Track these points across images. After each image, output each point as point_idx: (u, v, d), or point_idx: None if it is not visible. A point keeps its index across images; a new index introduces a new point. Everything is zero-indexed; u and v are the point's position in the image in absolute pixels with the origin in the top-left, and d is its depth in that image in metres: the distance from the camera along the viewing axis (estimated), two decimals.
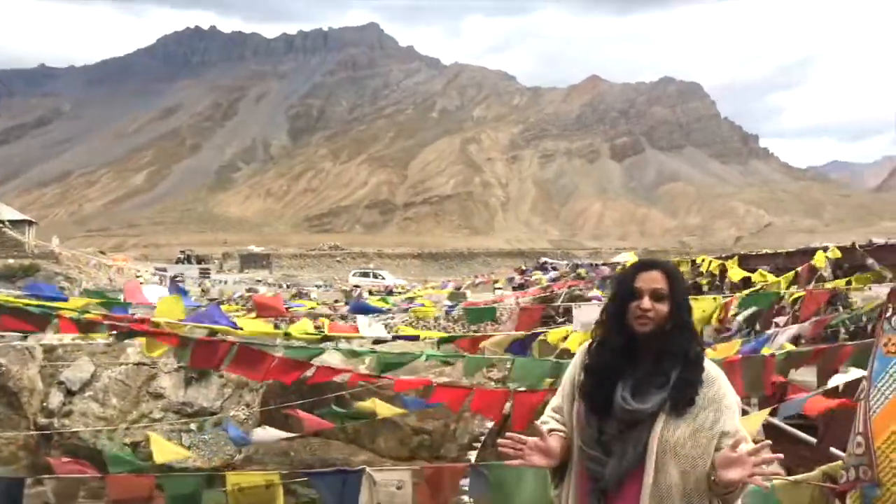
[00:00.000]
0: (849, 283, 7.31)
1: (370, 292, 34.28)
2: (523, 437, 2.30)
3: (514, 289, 37.26)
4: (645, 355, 2.31)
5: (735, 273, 11.41)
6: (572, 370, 2.49)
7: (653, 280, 2.32)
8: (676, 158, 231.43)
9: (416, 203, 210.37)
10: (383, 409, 5.39)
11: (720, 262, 14.32)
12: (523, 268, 54.14)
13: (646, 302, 2.29)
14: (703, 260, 16.01)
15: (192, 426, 11.59)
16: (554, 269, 43.67)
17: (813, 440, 6.47)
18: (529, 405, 4.56)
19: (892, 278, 6.49)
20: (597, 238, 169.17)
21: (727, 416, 2.24)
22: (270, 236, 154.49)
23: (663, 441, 2.22)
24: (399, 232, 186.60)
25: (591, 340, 2.45)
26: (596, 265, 30.22)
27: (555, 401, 2.53)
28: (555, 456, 2.32)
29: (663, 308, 2.30)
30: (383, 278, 46.31)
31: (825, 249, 8.66)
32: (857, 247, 8.39)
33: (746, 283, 11.13)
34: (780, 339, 5.92)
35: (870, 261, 7.64)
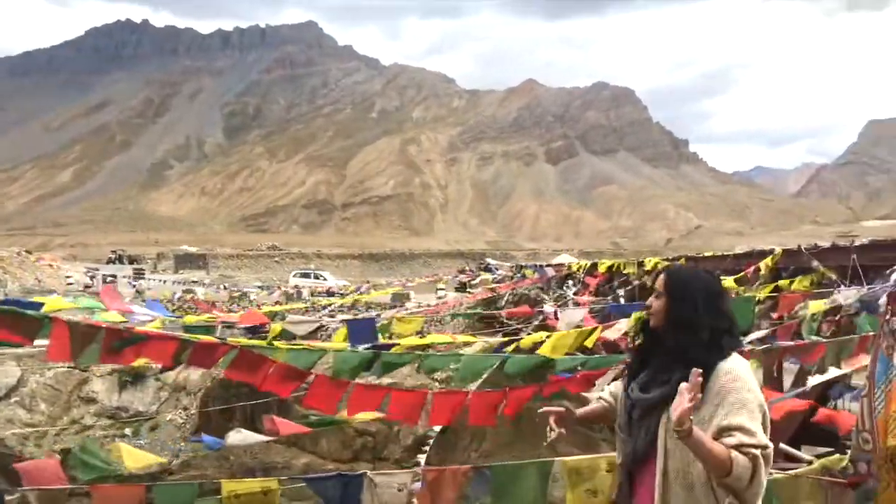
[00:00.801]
0: (791, 283, 7.75)
1: (312, 293, 34.02)
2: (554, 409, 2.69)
3: (457, 289, 37.56)
4: (660, 351, 2.48)
5: None
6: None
7: (658, 282, 2.55)
8: (610, 162, 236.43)
9: (355, 203, 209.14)
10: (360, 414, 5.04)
11: (669, 263, 14.79)
12: (466, 268, 54.64)
13: (650, 299, 2.54)
14: (650, 261, 16.51)
15: (127, 431, 10.93)
16: (497, 269, 44.20)
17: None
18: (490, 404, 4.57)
19: (837, 280, 6.89)
20: (533, 239, 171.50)
21: (731, 411, 2.28)
22: (205, 236, 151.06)
23: (668, 430, 2.36)
24: (337, 232, 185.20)
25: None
26: (541, 266, 30.65)
27: (616, 384, 2.83)
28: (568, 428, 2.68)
29: (659, 304, 2.48)
30: (325, 279, 45.97)
31: (772, 252, 9.08)
32: (802, 249, 8.72)
33: None
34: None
35: (815, 263, 7.98)
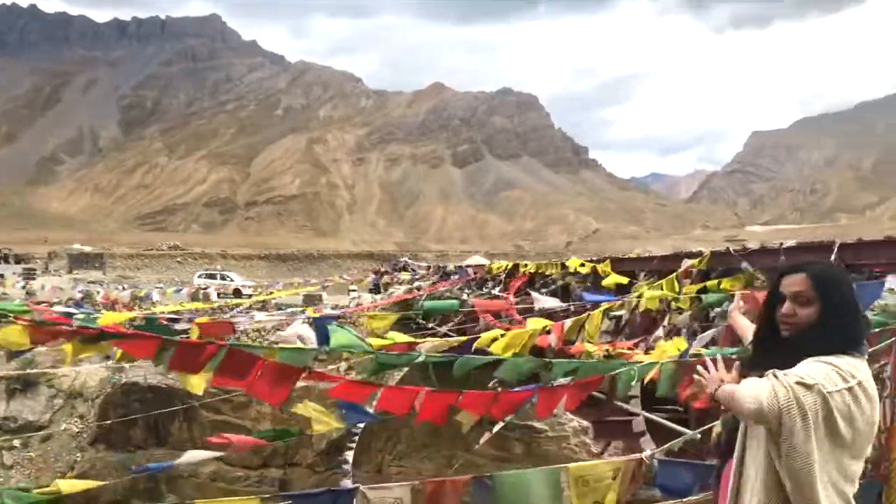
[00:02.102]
0: (720, 284, 8.66)
1: (218, 295, 33.46)
2: (718, 368, 2.30)
3: (371, 290, 37.63)
4: (784, 352, 2.26)
5: (613, 278, 12.53)
6: None
7: (794, 283, 2.28)
8: (514, 167, 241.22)
9: (259, 202, 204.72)
10: (320, 421, 4.49)
11: (592, 264, 15.51)
12: (381, 269, 54.56)
13: (786, 306, 2.25)
14: (573, 262, 17.30)
15: (16, 442, 10.36)
16: (414, 270, 44.24)
17: (687, 431, 6.64)
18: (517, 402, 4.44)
19: (765, 281, 7.74)
20: (440, 241, 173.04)
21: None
22: (99, 235, 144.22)
23: (747, 430, 2.33)
24: (240, 232, 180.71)
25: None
26: (462, 267, 31.17)
27: None
28: None
29: (806, 313, 2.24)
30: (231, 280, 45.18)
31: (700, 254, 10.02)
32: (731, 251, 9.03)
33: (624, 286, 12.34)
34: (698, 344, 6.15)
35: (744, 264, 8.34)
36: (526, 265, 21.71)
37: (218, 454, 4.90)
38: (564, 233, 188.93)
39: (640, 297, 8.73)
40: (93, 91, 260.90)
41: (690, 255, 11.16)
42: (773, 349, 2.30)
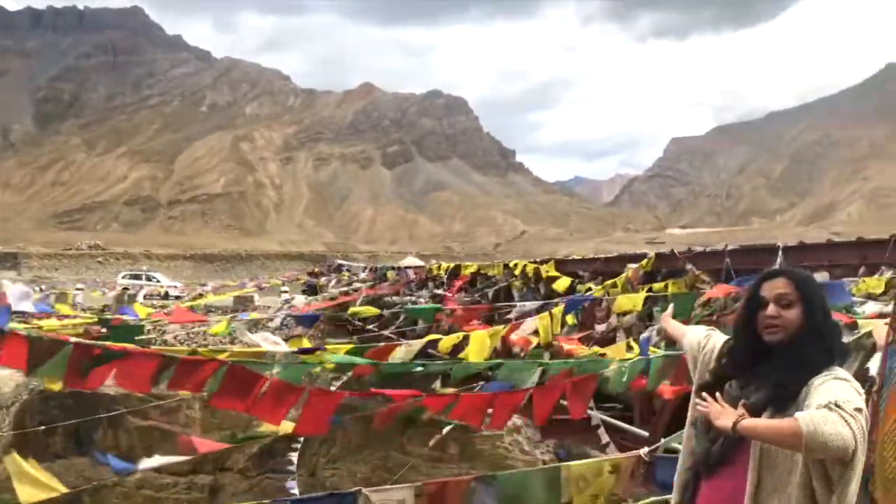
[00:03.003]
0: (666, 286, 9.38)
1: (145, 296, 32.73)
2: (721, 404, 2.19)
3: (304, 292, 37.39)
4: (778, 364, 2.25)
5: (561, 283, 12.96)
6: (702, 352, 2.62)
7: (776, 287, 2.30)
8: (443, 168, 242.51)
9: (183, 201, 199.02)
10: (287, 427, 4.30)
11: (535, 265, 15.90)
12: (316, 269, 54.13)
13: (771, 309, 2.26)
14: (515, 264, 17.64)
15: None
16: (348, 270, 43.95)
17: (633, 429, 6.91)
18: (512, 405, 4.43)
19: (709, 282, 8.34)
20: (370, 242, 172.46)
21: (827, 394, 2.08)
22: (10, 233, 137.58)
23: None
24: (162, 231, 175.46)
25: (727, 343, 2.51)
26: (403, 268, 31.09)
27: (700, 334, 2.72)
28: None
29: (792, 315, 2.25)
30: (158, 281, 44.24)
31: (644, 256, 10.67)
32: (676, 253, 9.40)
33: (571, 287, 12.90)
34: (645, 344, 6.15)
35: (689, 266, 8.71)
36: (468, 266, 22.01)
37: (185, 458, 4.85)
38: (493, 234, 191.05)
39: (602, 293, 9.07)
40: (3, 82, 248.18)
41: (635, 258, 11.89)
42: (764, 357, 2.30)
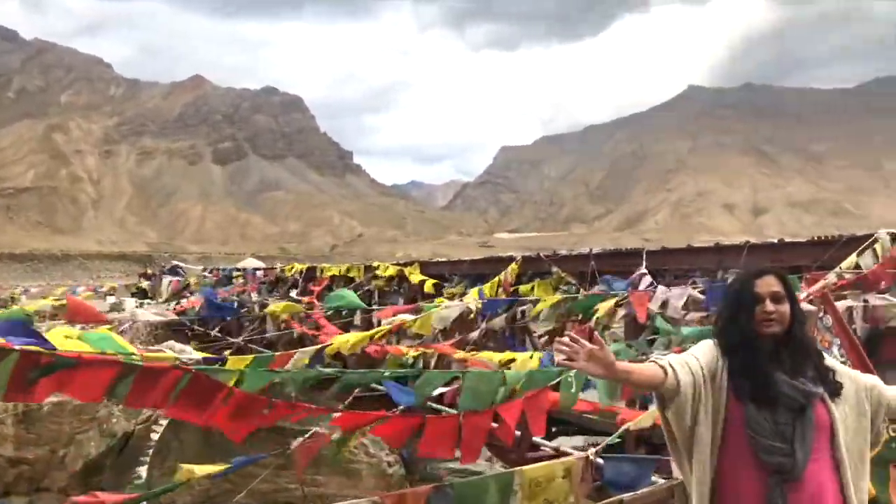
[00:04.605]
0: (533, 288, 10.41)
1: None
2: (582, 340, 2.32)
3: (133, 294, 35.65)
4: (784, 354, 2.40)
5: (427, 285, 13.57)
6: (702, 366, 2.47)
7: (769, 285, 2.45)
8: (278, 167, 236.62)
9: None
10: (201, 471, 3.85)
11: (399, 267, 15.28)
12: (148, 271, 51.36)
13: (768, 305, 2.39)
14: (378, 265, 18.01)
15: None
16: (183, 272, 42.04)
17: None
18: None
19: (574, 283, 9.33)
20: (198, 242, 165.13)
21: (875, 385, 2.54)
22: None
23: (836, 421, 2.38)
24: None
25: (724, 343, 2.50)
26: (251, 270, 30.32)
27: (687, 360, 2.49)
28: (611, 369, 2.33)
29: (784, 309, 2.42)
30: None
31: (513, 260, 11.54)
32: (543, 256, 10.07)
33: (437, 289, 13.64)
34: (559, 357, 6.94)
35: (554, 269, 9.37)
36: (329, 268, 21.83)
37: None
38: (329, 235, 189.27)
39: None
40: None
41: (502, 260, 12.86)
42: (784, 349, 2.42)
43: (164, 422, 5.93)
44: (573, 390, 4.65)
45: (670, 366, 2.43)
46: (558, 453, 6.16)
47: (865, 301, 4.42)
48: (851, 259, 5.04)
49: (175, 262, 52.57)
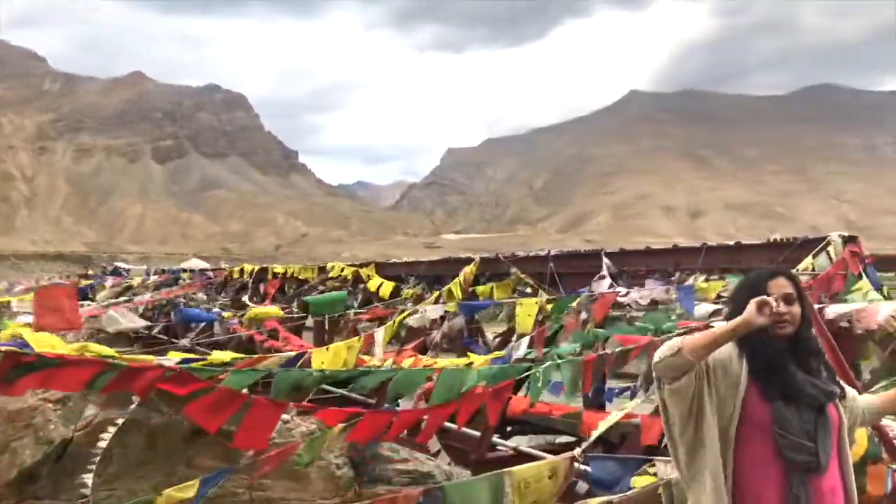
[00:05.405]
0: (492, 289, 10.64)
1: None
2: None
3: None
4: (798, 354, 2.44)
5: (385, 287, 13.57)
6: (724, 363, 2.44)
7: (782, 286, 2.47)
8: (221, 166, 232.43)
9: None
10: None
11: (354, 268, 15.16)
12: (88, 272, 50.01)
13: (781, 307, 2.38)
14: (332, 266, 16.62)
15: None
16: (126, 273, 41.16)
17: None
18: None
19: (533, 284, 9.51)
20: (138, 242, 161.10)
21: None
22: None
23: (844, 421, 2.49)
24: None
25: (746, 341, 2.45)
26: (201, 271, 29.92)
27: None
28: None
29: (797, 310, 2.45)
30: None
31: (470, 261, 11.63)
32: (501, 257, 10.23)
33: (395, 291, 13.70)
34: (522, 350, 6.56)
35: (513, 270, 9.50)
36: (279, 269, 21.45)
37: None
38: (273, 236, 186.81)
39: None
40: None
41: (460, 261, 13.00)
42: (797, 349, 2.46)
43: (113, 428, 5.73)
44: (539, 385, 4.79)
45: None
46: (518, 453, 6.46)
47: (822, 302, 4.66)
48: (808, 261, 5.40)
49: (117, 263, 51.50)
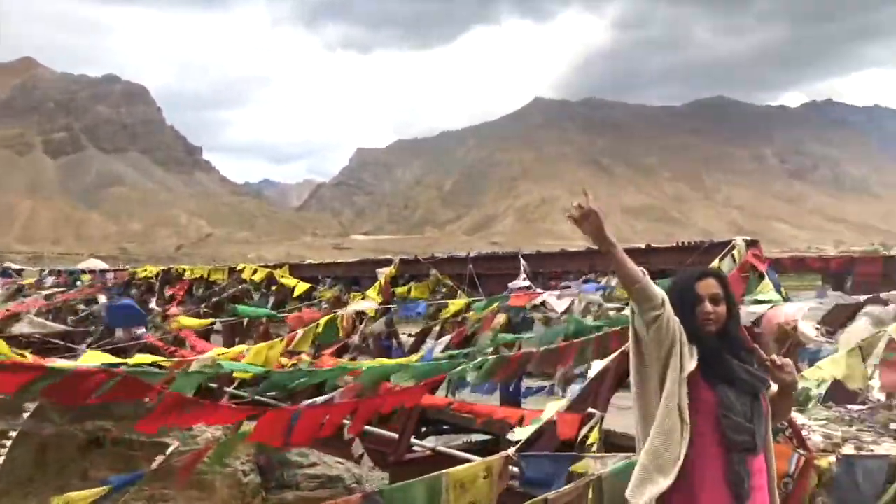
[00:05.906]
0: (410, 290, 10.67)
1: None
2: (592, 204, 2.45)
3: None
4: (728, 347, 2.60)
5: (300, 287, 13.44)
6: (678, 342, 2.56)
7: (709, 286, 2.62)
8: (120, 161, 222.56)
9: None
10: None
11: (267, 270, 14.85)
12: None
13: (707, 306, 2.56)
14: (243, 268, 17.45)
15: None
16: (15, 273, 38.81)
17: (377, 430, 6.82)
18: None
19: (453, 286, 9.65)
20: (28, 241, 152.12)
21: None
22: None
23: (769, 409, 2.67)
24: None
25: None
26: (102, 272, 28.65)
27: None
28: (601, 233, 2.48)
29: (722, 310, 2.60)
30: None
31: (389, 262, 11.65)
32: (420, 259, 10.35)
33: (310, 292, 13.58)
34: (438, 350, 6.64)
35: (433, 271, 9.61)
36: (188, 270, 20.74)
37: None
38: (175, 236, 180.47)
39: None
40: None
41: (379, 263, 13.00)
42: (724, 343, 2.62)
43: (8, 442, 5.48)
44: (469, 380, 4.96)
45: (647, 277, 2.55)
46: (436, 454, 6.59)
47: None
48: (714, 264, 5.76)
49: (6, 264, 48.39)
